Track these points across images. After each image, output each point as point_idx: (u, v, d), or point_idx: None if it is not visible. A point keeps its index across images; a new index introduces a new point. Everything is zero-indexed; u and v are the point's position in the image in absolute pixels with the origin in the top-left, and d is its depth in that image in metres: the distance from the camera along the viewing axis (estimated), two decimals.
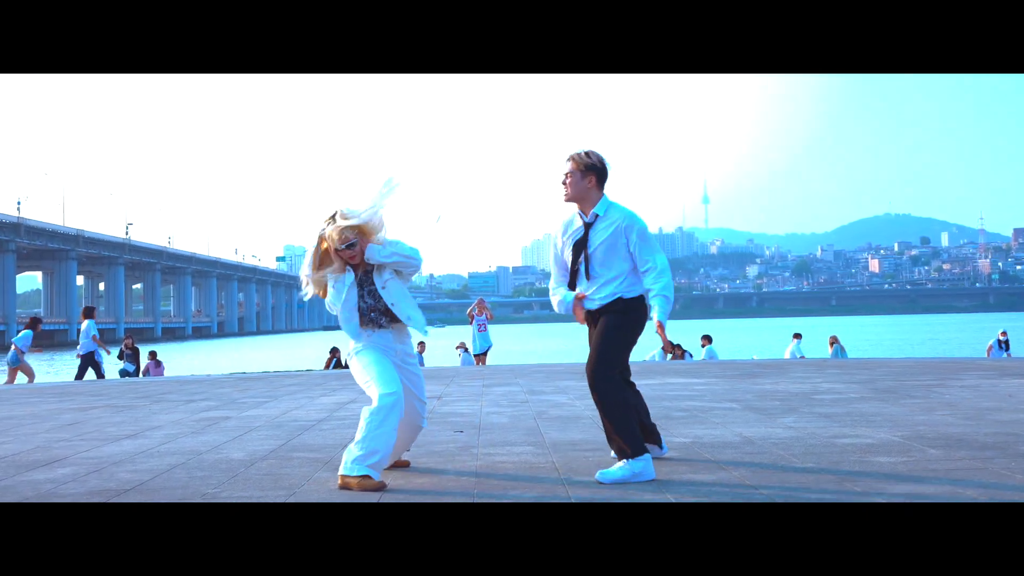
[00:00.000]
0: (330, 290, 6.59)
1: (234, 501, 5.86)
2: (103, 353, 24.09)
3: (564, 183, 6.55)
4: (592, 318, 6.60)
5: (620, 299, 6.48)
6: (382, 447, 6.17)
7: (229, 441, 8.71)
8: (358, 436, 6.22)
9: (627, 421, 6.33)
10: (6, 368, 24.16)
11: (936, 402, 10.69)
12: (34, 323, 24.82)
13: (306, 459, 7.47)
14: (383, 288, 6.55)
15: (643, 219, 6.55)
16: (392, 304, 6.55)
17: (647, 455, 6.30)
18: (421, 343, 29.47)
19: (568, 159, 6.56)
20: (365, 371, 6.49)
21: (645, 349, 27.04)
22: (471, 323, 26.21)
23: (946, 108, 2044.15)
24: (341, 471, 6.23)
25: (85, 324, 23.94)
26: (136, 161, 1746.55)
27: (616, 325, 6.46)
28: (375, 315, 6.60)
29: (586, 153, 6.53)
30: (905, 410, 9.92)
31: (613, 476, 6.22)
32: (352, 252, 6.46)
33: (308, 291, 6.74)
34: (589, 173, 6.48)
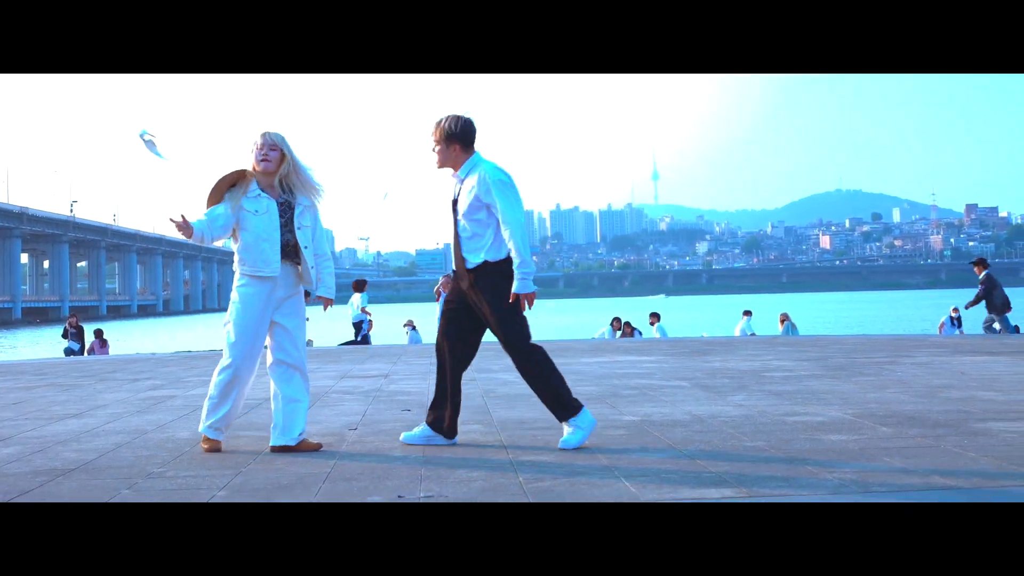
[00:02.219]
0: (239, 210, 6.69)
1: (180, 480, 5.73)
2: (368, 321, 25.93)
3: (434, 151, 6.70)
4: (471, 281, 6.68)
5: (487, 263, 6.59)
6: (225, 409, 6.70)
7: (175, 420, 8.62)
8: (210, 393, 6.75)
9: (556, 386, 6.61)
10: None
11: (888, 379, 10.70)
12: (361, 285, 26.37)
13: (253, 437, 7.36)
14: (299, 229, 6.72)
15: (507, 172, 6.61)
16: (305, 247, 6.73)
17: (583, 408, 6.64)
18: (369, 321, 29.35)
19: (432, 131, 6.72)
20: (232, 321, 6.71)
21: (593, 326, 27.05)
22: (438, 300, 25.88)
23: (897, 84, 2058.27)
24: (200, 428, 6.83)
25: (358, 296, 25.72)
26: (80, 138, 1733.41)
27: (496, 303, 6.59)
28: (291, 251, 6.72)
29: (445, 121, 6.64)
30: (856, 388, 9.92)
31: (574, 442, 6.53)
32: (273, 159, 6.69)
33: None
34: (452, 142, 6.62)
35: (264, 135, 6.67)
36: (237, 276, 6.73)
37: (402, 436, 7.01)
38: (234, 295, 6.73)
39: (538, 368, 6.61)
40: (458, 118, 6.63)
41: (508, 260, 6.56)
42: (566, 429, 6.60)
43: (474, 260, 6.61)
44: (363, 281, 27.00)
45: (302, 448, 6.71)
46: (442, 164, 6.69)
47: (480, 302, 6.63)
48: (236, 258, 6.75)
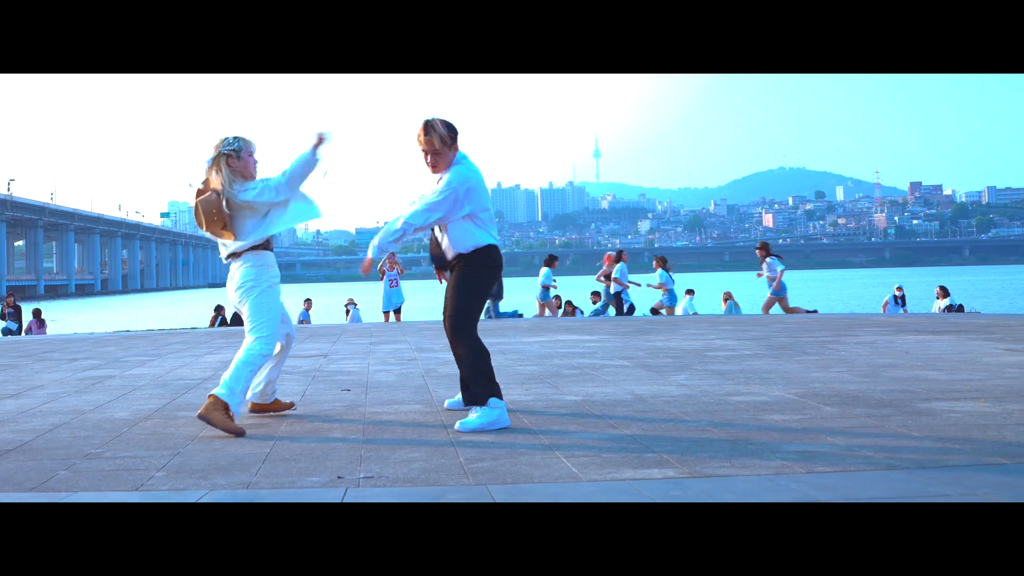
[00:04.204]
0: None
1: (118, 461, 5.66)
2: (629, 293, 26.33)
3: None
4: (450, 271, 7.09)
5: (460, 255, 6.92)
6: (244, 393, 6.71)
7: (113, 400, 8.53)
8: (232, 375, 6.63)
9: (482, 368, 6.68)
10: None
11: (831, 359, 10.71)
12: (552, 260, 26.93)
13: (191, 418, 7.27)
14: None
15: (462, 175, 6.92)
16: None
17: (500, 402, 6.64)
18: (308, 300, 29.23)
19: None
20: (272, 311, 6.92)
21: (535, 306, 26.98)
22: (382, 279, 25.57)
23: None
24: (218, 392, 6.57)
25: (618, 266, 25.83)
26: (17, 116, 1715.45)
27: (461, 279, 6.93)
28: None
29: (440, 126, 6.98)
30: (800, 367, 9.92)
31: (471, 425, 6.50)
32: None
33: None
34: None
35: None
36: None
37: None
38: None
39: (465, 348, 6.80)
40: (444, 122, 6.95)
41: (480, 251, 6.94)
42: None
43: (451, 256, 7.05)
44: (553, 256, 27.45)
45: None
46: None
47: (451, 276, 7.06)
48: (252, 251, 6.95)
